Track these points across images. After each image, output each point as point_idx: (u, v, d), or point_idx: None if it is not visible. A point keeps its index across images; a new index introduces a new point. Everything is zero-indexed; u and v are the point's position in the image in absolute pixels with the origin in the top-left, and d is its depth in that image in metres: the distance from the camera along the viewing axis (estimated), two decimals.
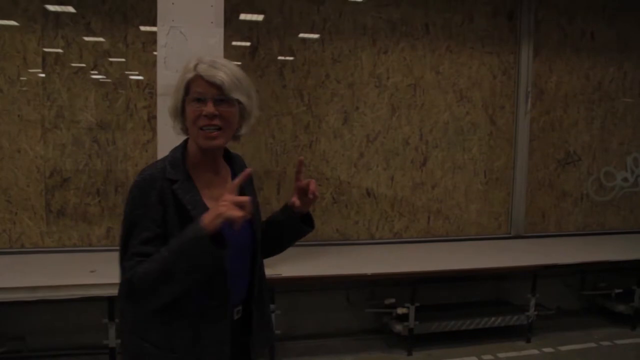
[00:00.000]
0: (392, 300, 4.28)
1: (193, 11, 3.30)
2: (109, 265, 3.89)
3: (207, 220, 1.41)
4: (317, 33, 4.66)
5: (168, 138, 3.35)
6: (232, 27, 4.43)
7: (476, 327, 4.33)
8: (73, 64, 4.19)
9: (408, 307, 4.15)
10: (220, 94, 1.52)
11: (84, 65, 4.20)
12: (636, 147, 5.74)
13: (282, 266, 3.95)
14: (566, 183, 5.55)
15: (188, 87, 1.55)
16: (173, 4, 3.28)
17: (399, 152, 4.95)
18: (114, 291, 3.42)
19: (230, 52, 4.45)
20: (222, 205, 1.40)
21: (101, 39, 4.22)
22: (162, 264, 1.44)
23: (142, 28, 4.26)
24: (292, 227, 1.78)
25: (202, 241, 1.40)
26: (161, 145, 3.40)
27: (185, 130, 1.62)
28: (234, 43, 4.47)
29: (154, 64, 3.91)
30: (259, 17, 4.53)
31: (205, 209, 1.53)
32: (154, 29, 4.03)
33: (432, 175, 5.08)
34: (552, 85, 5.39)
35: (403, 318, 4.18)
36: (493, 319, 4.40)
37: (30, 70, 4.12)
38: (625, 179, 5.75)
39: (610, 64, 5.56)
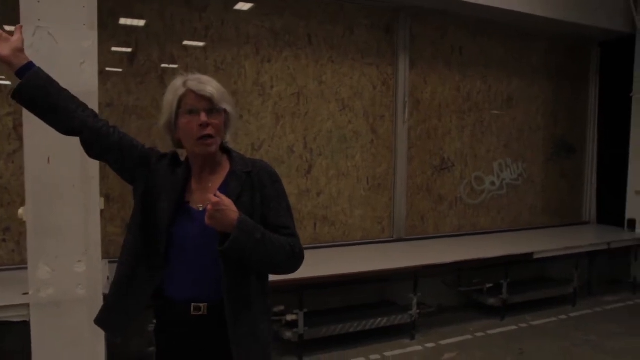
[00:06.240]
0: (282, 308, 4.27)
1: (62, 12, 3.10)
2: None
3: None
4: (200, 40, 4.59)
5: (36, 147, 3.14)
6: (108, 31, 4.24)
7: (363, 328, 4.45)
8: None
9: (297, 314, 4.17)
10: (210, 105, 1.70)
11: None
12: (500, 153, 6.27)
13: None
14: (442, 188, 5.91)
15: (180, 102, 1.73)
16: (39, 2, 3.06)
17: (285, 160, 4.99)
18: None
19: (107, 57, 4.24)
20: None
21: None
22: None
23: (7, 28, 3.92)
24: None
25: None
26: (28, 156, 3.15)
27: (177, 142, 1.80)
28: (111, 48, 4.27)
29: None
30: (139, 22, 4.36)
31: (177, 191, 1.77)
32: None
33: (317, 183, 5.17)
34: (427, 96, 5.73)
35: (293, 325, 4.19)
36: (379, 319, 4.55)
37: None
38: (492, 183, 6.25)
39: (477, 78, 6.04)
